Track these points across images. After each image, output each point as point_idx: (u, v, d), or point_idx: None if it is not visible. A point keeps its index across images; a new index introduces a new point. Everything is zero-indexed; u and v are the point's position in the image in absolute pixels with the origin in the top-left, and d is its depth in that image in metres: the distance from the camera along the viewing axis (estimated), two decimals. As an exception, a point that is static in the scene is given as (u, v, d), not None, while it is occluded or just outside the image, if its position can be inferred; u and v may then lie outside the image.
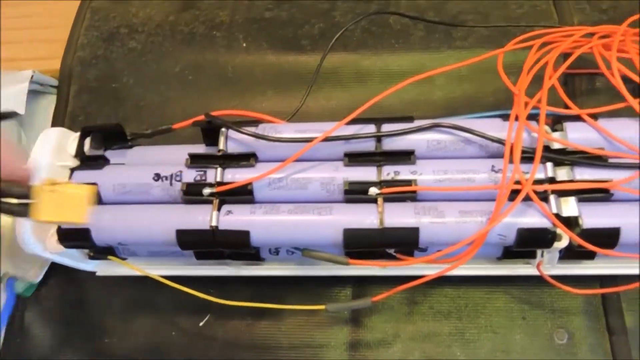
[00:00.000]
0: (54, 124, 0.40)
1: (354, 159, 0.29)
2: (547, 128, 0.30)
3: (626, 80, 0.30)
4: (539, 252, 0.30)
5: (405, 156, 0.29)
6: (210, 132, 0.32)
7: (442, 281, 0.30)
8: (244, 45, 0.41)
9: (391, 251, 0.29)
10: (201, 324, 0.34)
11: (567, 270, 0.31)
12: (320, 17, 0.40)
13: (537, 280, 0.30)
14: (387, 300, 0.33)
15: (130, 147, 0.34)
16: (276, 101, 0.39)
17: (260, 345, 0.33)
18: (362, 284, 0.34)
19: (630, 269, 0.31)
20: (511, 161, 0.27)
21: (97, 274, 0.34)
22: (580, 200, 0.28)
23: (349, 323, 0.33)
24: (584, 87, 0.38)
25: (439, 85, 0.38)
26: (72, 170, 0.31)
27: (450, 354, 0.31)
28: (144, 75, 0.41)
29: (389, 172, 0.29)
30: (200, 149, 0.33)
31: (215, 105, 0.40)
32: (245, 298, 0.30)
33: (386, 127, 0.30)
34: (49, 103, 0.41)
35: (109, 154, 0.33)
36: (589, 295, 0.32)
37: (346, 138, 0.29)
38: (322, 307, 0.29)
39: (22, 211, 0.22)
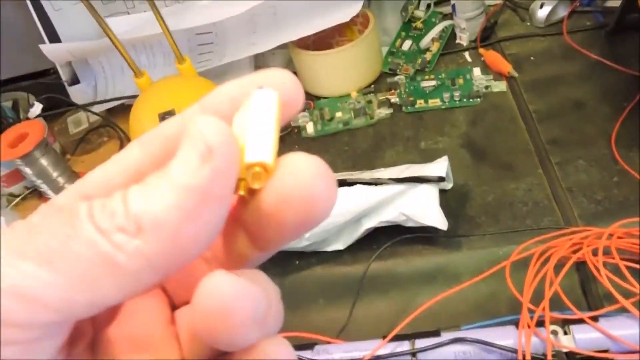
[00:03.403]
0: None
1: (395, 374, 0.35)
2: (557, 329, 0.36)
3: None
4: None
5: (438, 368, 0.35)
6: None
7: None
8: (297, 262, 0.49)
9: None
10: None
11: None
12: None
13: None
14: None
15: None
16: (328, 309, 0.47)
17: None
18: None
19: None
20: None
21: None
22: (596, 398, 0.32)
23: None
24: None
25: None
26: None
27: None
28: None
29: (425, 384, 0.34)
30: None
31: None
32: None
33: (419, 343, 0.36)
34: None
35: None
36: None
37: (386, 357, 0.36)
38: None
39: None
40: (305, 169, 0.13)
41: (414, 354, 0.36)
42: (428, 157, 0.54)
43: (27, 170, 0.62)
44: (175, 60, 0.62)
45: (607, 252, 0.39)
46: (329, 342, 0.39)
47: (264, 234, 0.14)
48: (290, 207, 0.13)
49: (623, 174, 0.48)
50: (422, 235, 0.47)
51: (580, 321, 0.35)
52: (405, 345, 0.36)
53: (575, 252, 0.39)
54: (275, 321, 0.14)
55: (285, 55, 0.69)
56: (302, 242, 0.46)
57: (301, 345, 0.39)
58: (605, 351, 0.33)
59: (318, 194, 0.13)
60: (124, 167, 0.14)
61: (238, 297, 0.12)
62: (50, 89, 0.72)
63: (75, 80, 0.74)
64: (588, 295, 0.42)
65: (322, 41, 0.67)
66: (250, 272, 0.14)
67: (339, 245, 0.48)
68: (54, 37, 0.68)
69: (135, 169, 0.14)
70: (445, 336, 0.36)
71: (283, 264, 0.50)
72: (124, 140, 0.69)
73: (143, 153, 0.15)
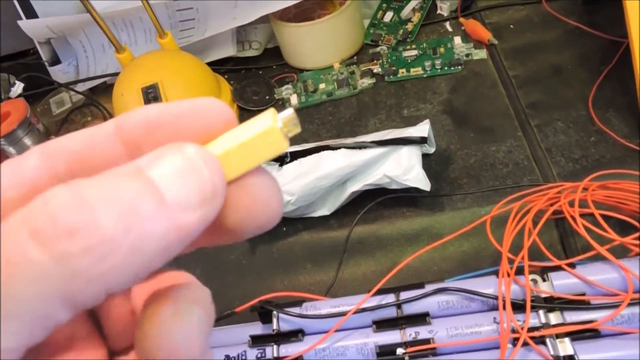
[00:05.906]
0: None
1: (380, 325, 0.36)
2: (537, 277, 0.37)
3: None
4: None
5: (422, 318, 0.36)
6: (264, 314, 0.40)
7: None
8: (284, 229, 0.50)
9: (424, 400, 0.35)
10: None
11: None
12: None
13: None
14: None
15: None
16: (315, 272, 0.47)
17: None
18: None
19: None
20: (507, 314, 0.34)
21: None
22: (573, 339, 0.33)
23: None
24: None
25: (449, 241, 0.45)
26: None
27: None
28: (206, 264, 0.50)
29: (410, 333, 0.36)
30: (258, 327, 0.40)
31: (267, 282, 0.48)
32: None
33: (403, 295, 0.37)
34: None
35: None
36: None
37: (372, 309, 0.37)
38: None
39: None
40: (260, 192, 0.14)
41: (399, 306, 0.37)
42: (410, 123, 0.54)
43: (11, 150, 0.62)
44: (157, 35, 0.62)
45: (583, 205, 0.40)
46: (316, 300, 0.40)
47: (223, 238, 0.15)
48: (248, 222, 0.14)
49: (600, 134, 0.50)
50: (406, 196, 0.48)
51: (558, 268, 0.36)
52: (390, 298, 0.37)
53: (552, 204, 0.40)
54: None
55: (267, 29, 0.69)
56: (288, 207, 0.47)
57: (289, 303, 0.39)
58: (582, 295, 0.34)
59: (270, 211, 0.14)
60: (18, 180, 0.13)
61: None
62: (31, 69, 0.72)
63: (56, 60, 0.73)
64: (567, 250, 0.44)
65: (303, 15, 0.67)
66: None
67: (325, 211, 0.49)
68: (32, 16, 0.67)
69: (32, 184, 0.13)
70: (429, 287, 0.37)
71: (271, 231, 0.50)
72: (107, 118, 0.69)
73: (44, 167, 0.13)
